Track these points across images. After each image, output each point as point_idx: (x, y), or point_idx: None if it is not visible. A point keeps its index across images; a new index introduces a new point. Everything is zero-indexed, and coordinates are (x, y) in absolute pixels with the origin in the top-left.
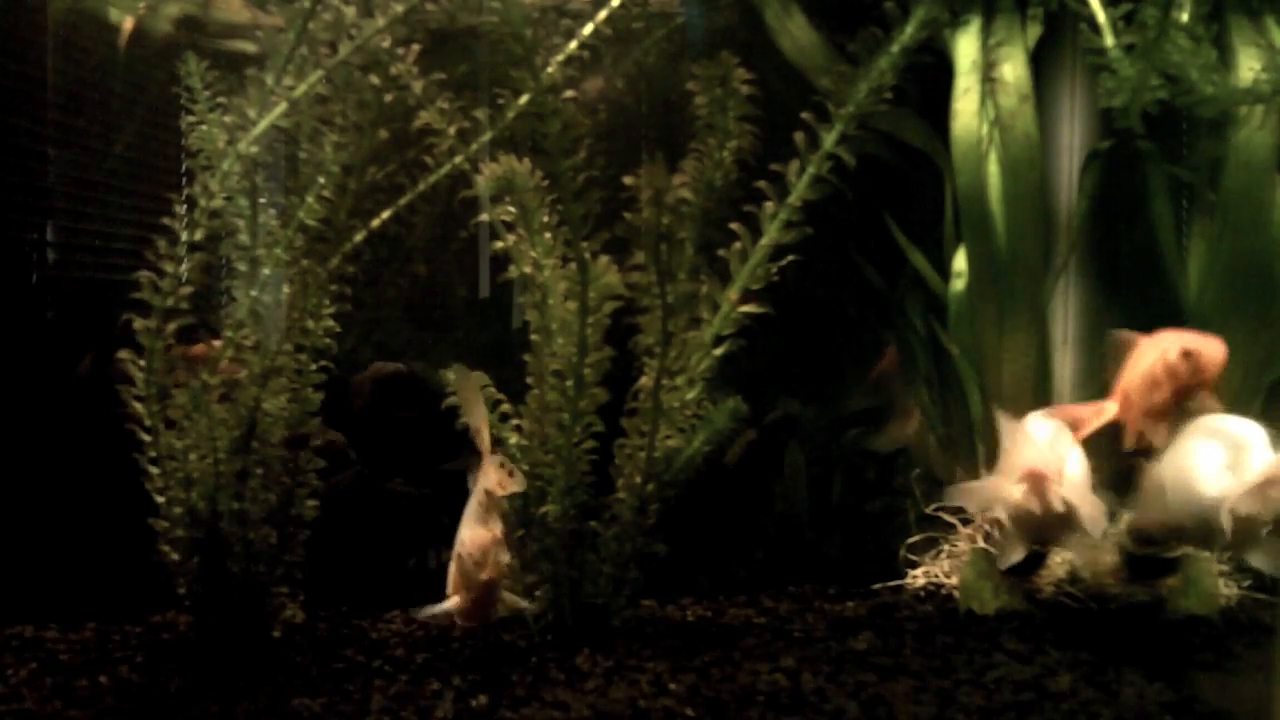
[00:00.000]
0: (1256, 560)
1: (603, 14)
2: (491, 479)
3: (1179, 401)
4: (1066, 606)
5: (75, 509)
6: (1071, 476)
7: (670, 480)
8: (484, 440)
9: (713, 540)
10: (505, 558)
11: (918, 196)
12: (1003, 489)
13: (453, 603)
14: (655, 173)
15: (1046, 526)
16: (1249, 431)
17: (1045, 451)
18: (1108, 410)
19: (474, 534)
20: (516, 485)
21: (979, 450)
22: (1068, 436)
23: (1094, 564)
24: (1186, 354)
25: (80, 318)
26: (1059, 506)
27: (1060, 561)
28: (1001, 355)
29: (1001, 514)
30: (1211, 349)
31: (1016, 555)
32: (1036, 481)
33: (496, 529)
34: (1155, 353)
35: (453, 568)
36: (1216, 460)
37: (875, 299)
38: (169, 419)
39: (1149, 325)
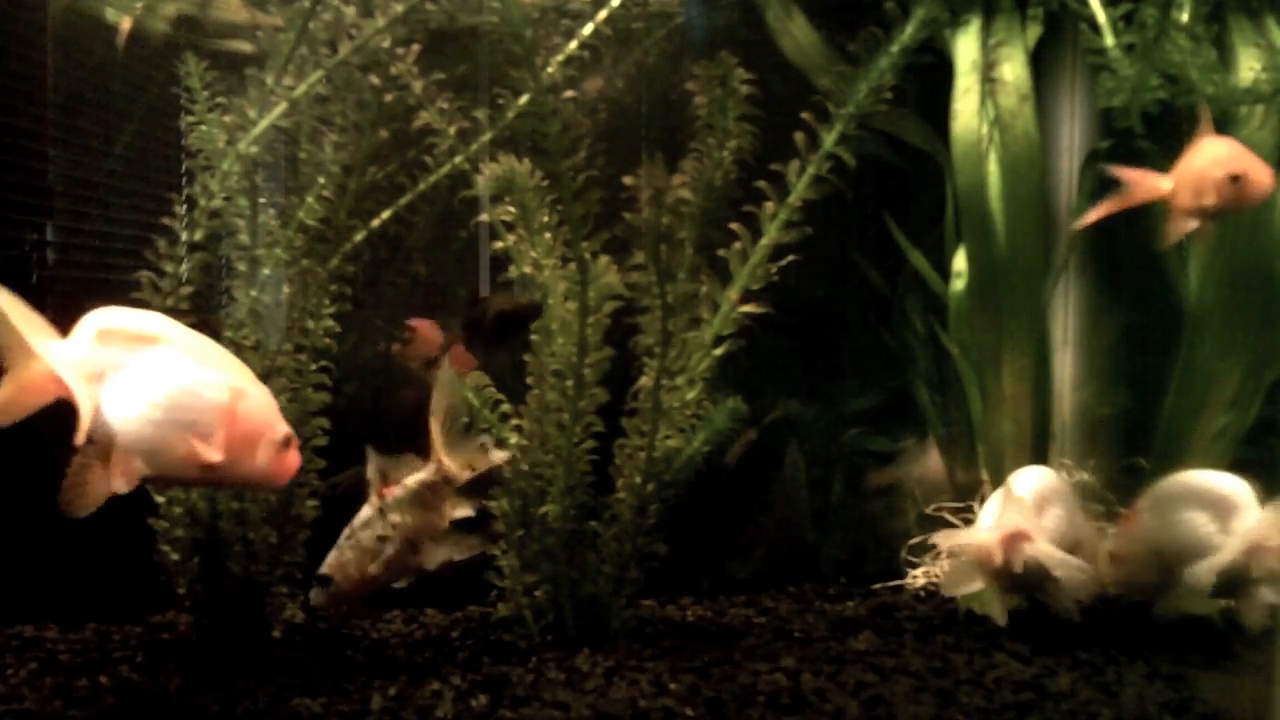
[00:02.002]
0: (1246, 612)
1: (603, 14)
2: (449, 467)
3: (1217, 214)
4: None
5: None
6: (1049, 537)
7: (670, 480)
8: (436, 436)
9: (713, 540)
10: (444, 556)
11: (918, 196)
12: (977, 540)
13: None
14: (655, 173)
15: (1024, 582)
16: (1234, 489)
17: (1026, 509)
18: (1162, 185)
19: (419, 516)
20: (499, 456)
21: (979, 450)
22: (1056, 490)
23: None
24: (1234, 179)
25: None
26: (1019, 568)
27: None
28: (1001, 355)
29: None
30: (1259, 177)
31: (967, 589)
32: (1013, 541)
33: (442, 517)
34: (1210, 157)
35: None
36: (1204, 524)
37: (875, 299)
38: None
39: (1149, 325)
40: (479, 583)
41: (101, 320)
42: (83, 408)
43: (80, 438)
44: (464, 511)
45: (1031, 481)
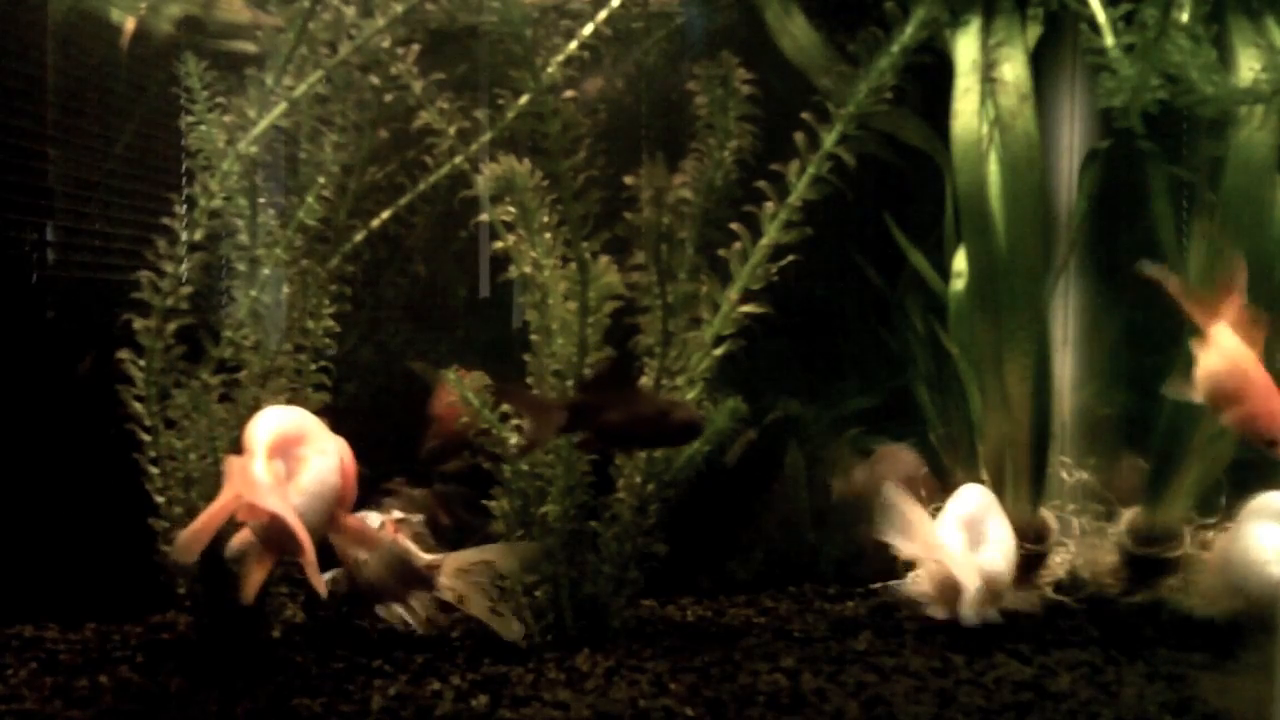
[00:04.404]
0: None
1: (603, 14)
2: (446, 583)
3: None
4: (1066, 606)
5: (75, 509)
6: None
7: (670, 480)
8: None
9: (713, 540)
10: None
11: (918, 196)
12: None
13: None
14: (655, 173)
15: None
16: None
17: (957, 533)
18: (1216, 332)
19: (384, 576)
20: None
21: (979, 450)
22: (993, 513)
23: (1094, 564)
24: (1271, 444)
25: (80, 318)
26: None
27: (1060, 561)
28: (1001, 355)
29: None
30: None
31: (939, 615)
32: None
33: (402, 594)
34: (1251, 410)
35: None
36: None
37: (875, 299)
38: (169, 419)
39: (1149, 325)
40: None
41: (269, 433)
42: (296, 527)
43: (310, 558)
44: (420, 600)
45: (968, 505)
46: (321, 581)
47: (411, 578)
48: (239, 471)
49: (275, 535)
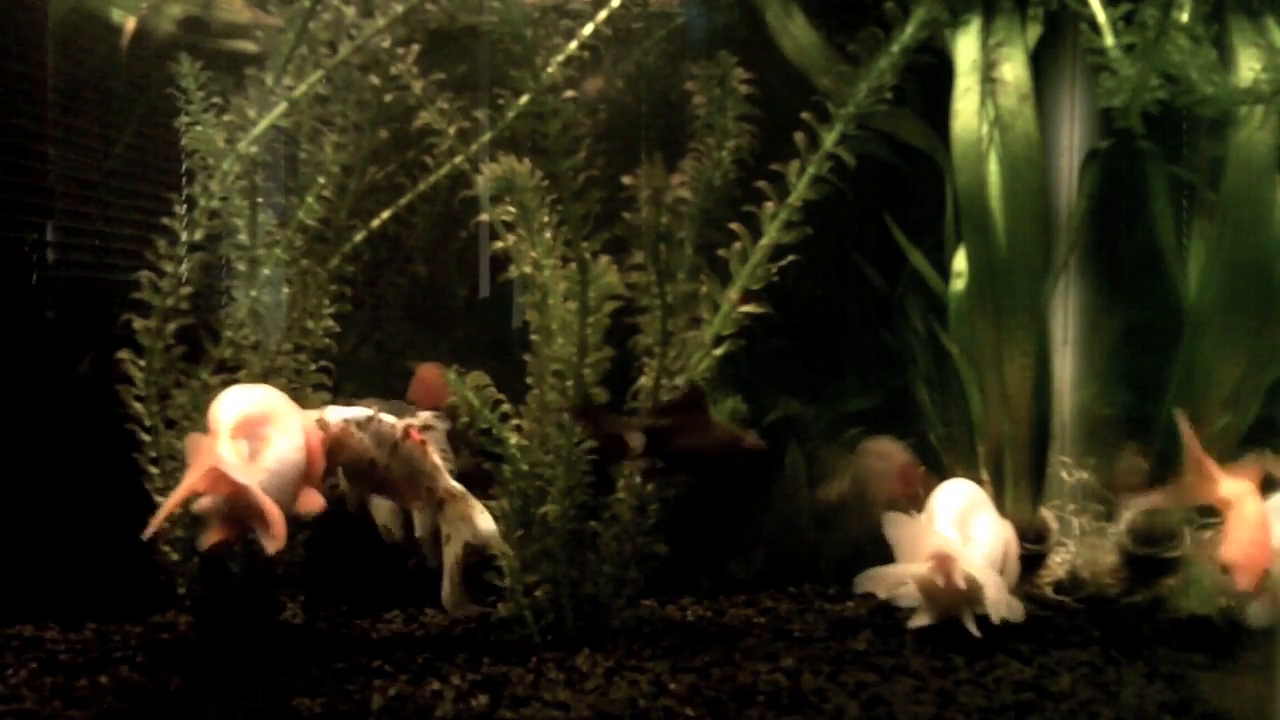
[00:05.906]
0: None
1: (603, 14)
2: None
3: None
4: (1066, 606)
5: (75, 509)
6: (978, 555)
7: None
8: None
9: (713, 540)
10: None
11: (918, 196)
12: (910, 570)
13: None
14: (654, 172)
15: (954, 601)
16: None
17: (952, 532)
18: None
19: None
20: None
21: (979, 450)
22: (980, 507)
23: (1094, 564)
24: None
25: (80, 318)
26: (963, 585)
27: (1060, 561)
28: (1001, 355)
29: (913, 589)
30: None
31: (924, 620)
32: (943, 563)
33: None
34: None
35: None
36: None
37: (875, 299)
38: (169, 419)
39: (1149, 325)
40: (479, 583)
41: (233, 413)
42: (265, 506)
43: (276, 544)
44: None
45: (953, 500)
46: (276, 547)
47: (421, 491)
48: (204, 450)
49: (238, 509)
